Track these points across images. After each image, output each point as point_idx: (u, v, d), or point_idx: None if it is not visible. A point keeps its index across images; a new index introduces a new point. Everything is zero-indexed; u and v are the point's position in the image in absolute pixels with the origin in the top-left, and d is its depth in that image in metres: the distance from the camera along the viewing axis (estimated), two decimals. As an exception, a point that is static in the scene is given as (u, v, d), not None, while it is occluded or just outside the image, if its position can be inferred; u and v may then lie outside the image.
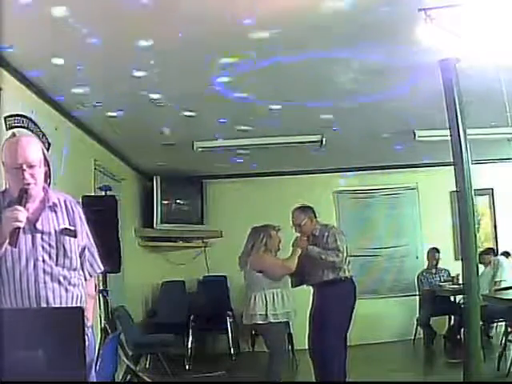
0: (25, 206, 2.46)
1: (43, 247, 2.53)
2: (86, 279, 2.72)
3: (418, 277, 7.98)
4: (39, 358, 2.05)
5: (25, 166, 2.50)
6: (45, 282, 2.49)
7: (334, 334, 4.94)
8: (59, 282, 2.53)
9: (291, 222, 5.23)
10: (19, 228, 2.41)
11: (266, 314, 4.89)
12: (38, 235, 2.53)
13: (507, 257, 7.48)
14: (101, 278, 4.98)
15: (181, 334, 7.38)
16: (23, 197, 2.48)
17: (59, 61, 3.89)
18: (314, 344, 5.07)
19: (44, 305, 2.48)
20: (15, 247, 2.43)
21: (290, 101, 5.12)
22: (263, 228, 5.13)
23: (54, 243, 2.55)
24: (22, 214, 2.42)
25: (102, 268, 2.82)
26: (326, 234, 5.11)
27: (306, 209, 5.27)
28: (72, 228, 2.62)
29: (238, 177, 8.47)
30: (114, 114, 5.21)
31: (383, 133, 6.37)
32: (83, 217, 2.72)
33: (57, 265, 2.54)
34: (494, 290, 6.87)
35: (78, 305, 2.57)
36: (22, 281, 2.47)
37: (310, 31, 3.59)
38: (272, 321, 4.91)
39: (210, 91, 4.70)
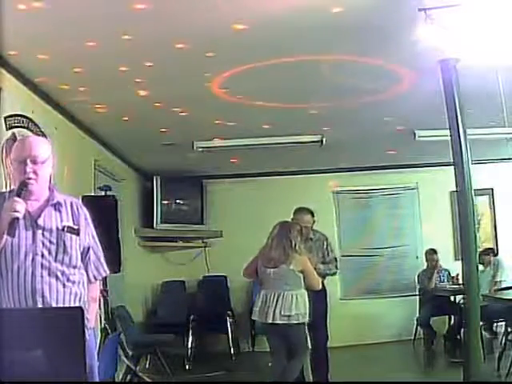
0: (24, 199, 2.48)
1: (43, 243, 2.54)
2: (90, 282, 2.73)
3: (417, 277, 7.98)
4: (39, 358, 2.05)
5: (28, 161, 2.52)
6: (41, 276, 2.50)
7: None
8: (56, 278, 2.54)
9: (295, 220, 5.19)
10: (17, 218, 2.43)
11: (305, 313, 4.78)
12: (39, 231, 2.54)
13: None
14: (101, 278, 4.97)
15: (181, 333, 7.37)
16: (22, 189, 2.50)
17: (59, 62, 3.89)
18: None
19: (39, 299, 2.49)
20: (13, 237, 2.44)
21: (290, 101, 5.12)
22: (292, 225, 4.99)
23: (54, 239, 2.56)
24: (19, 205, 2.44)
25: (108, 272, 2.83)
26: (325, 243, 5.36)
27: (311, 211, 5.36)
28: (75, 227, 2.63)
29: (237, 177, 8.46)
30: (115, 113, 5.21)
31: (383, 133, 6.37)
32: (89, 219, 2.73)
33: (56, 260, 2.54)
34: (494, 290, 6.88)
35: (76, 302, 2.58)
36: (20, 274, 2.48)
37: (309, 31, 3.59)
38: (305, 320, 4.83)
39: (211, 91, 4.71)
